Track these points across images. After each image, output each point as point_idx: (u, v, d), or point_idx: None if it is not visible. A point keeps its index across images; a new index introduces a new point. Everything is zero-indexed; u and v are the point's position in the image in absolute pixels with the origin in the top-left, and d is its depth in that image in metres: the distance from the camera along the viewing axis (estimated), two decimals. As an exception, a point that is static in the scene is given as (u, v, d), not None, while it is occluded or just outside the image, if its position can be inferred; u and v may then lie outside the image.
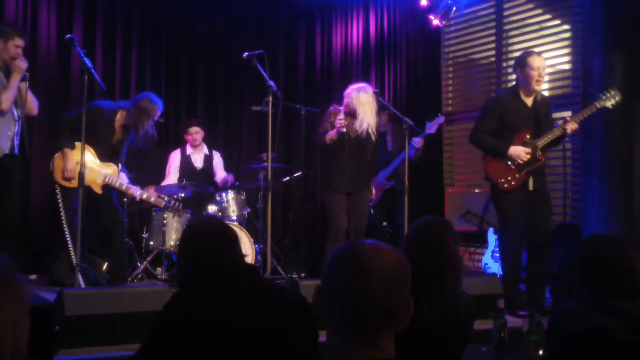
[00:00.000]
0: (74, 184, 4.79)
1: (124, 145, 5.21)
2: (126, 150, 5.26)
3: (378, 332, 1.32)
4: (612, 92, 4.89)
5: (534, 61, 4.83)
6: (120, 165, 5.19)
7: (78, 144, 4.75)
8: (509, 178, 4.88)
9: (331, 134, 5.20)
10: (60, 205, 4.87)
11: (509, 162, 4.88)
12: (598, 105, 4.87)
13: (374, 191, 5.81)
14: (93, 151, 5.07)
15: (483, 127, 5.00)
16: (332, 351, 1.36)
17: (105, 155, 5.12)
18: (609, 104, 4.89)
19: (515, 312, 4.57)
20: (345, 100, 5.30)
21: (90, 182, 4.96)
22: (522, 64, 4.89)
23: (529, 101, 4.96)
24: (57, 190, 4.90)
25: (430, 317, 2.22)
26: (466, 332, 2.41)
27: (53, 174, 5.02)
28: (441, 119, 6.50)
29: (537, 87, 4.89)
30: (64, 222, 4.87)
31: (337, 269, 1.37)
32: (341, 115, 5.17)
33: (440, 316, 2.20)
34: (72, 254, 4.74)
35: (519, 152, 4.83)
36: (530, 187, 4.89)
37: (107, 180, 5.08)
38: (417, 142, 6.19)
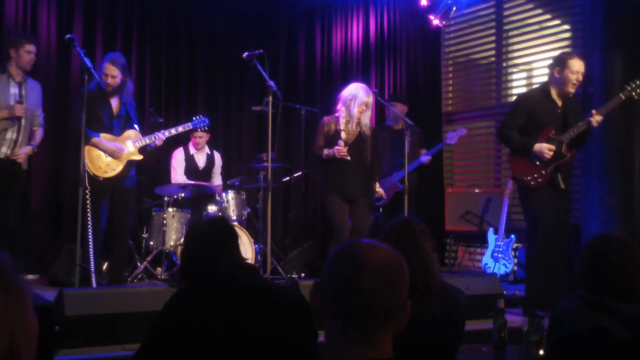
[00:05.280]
0: (119, 167, 5.06)
1: (126, 107, 5.23)
2: (134, 113, 5.28)
3: (373, 331, 1.32)
4: (638, 83, 4.80)
5: (575, 65, 4.78)
6: (135, 126, 5.25)
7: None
8: (536, 175, 4.83)
9: (329, 152, 5.19)
10: (88, 203, 4.81)
11: (535, 160, 4.84)
12: (623, 97, 4.81)
13: (382, 192, 5.80)
14: (106, 136, 5.10)
15: (510, 124, 4.97)
16: (330, 349, 1.36)
17: (118, 130, 5.17)
18: (635, 94, 4.80)
19: (535, 312, 4.53)
20: (347, 103, 5.28)
21: (126, 159, 5.12)
22: (562, 65, 4.82)
23: (559, 101, 4.92)
24: (88, 190, 4.79)
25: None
26: (454, 328, 2.40)
27: (88, 169, 4.95)
28: (463, 131, 6.47)
29: (571, 90, 4.85)
30: (89, 220, 4.85)
31: (333, 265, 1.38)
32: (341, 145, 5.15)
33: (418, 310, 2.18)
34: (92, 257, 4.77)
35: (543, 148, 4.78)
36: (562, 185, 4.86)
37: (137, 145, 5.17)
38: (426, 159, 6.19)
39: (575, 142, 4.91)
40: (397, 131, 6.45)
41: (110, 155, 5.06)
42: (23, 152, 5.07)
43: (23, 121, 5.07)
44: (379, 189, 5.74)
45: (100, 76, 5.04)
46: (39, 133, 5.29)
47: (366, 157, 5.35)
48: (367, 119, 5.33)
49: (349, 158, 5.17)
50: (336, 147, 5.15)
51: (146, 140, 5.20)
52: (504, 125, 5.05)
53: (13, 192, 5.10)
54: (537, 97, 4.97)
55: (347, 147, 5.16)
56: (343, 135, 5.26)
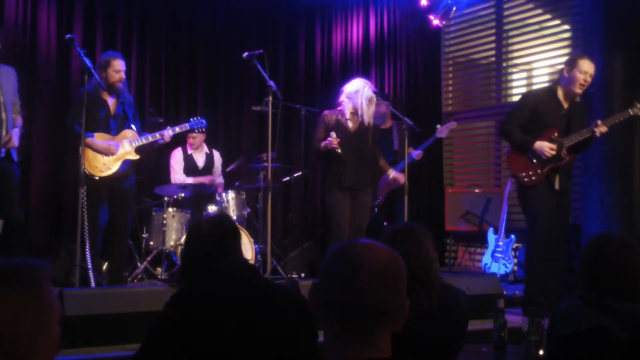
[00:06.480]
0: (115, 166, 5.02)
1: (124, 106, 5.20)
2: (132, 111, 5.26)
3: (371, 331, 1.32)
4: None
5: (584, 65, 4.77)
6: (132, 126, 5.22)
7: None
8: (530, 173, 4.85)
9: (325, 144, 5.19)
10: (84, 202, 4.69)
11: (533, 158, 4.86)
12: (631, 113, 4.83)
13: (398, 177, 5.78)
14: (103, 135, 5.08)
15: (513, 120, 4.97)
16: (329, 349, 1.36)
17: (115, 129, 5.15)
18: None
19: (535, 312, 4.52)
20: (352, 95, 5.28)
21: (122, 158, 5.09)
22: (571, 64, 4.82)
23: (565, 103, 4.90)
24: (84, 189, 4.66)
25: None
26: (454, 327, 2.40)
27: (85, 169, 4.82)
28: (452, 124, 6.45)
29: (578, 91, 4.83)
30: (85, 220, 4.74)
31: (331, 265, 1.38)
32: (332, 137, 5.15)
33: (418, 310, 2.18)
34: (88, 255, 4.70)
35: (544, 147, 4.79)
36: (556, 186, 4.85)
37: (134, 144, 5.14)
38: (417, 154, 6.18)
39: (576, 147, 4.91)
40: (385, 130, 6.45)
41: (104, 153, 5.04)
42: (15, 137, 4.85)
43: (3, 114, 4.86)
44: (394, 174, 5.74)
45: (101, 74, 5.00)
46: (18, 120, 5.03)
47: (369, 148, 5.35)
48: (371, 112, 5.34)
49: (339, 151, 5.16)
50: (328, 139, 5.15)
51: (143, 140, 5.17)
52: (506, 121, 5.05)
53: (10, 188, 5.02)
54: (543, 96, 4.97)
55: (338, 139, 5.16)
56: (350, 124, 5.26)
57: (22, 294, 1.23)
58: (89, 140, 4.97)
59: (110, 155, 5.05)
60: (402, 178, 5.68)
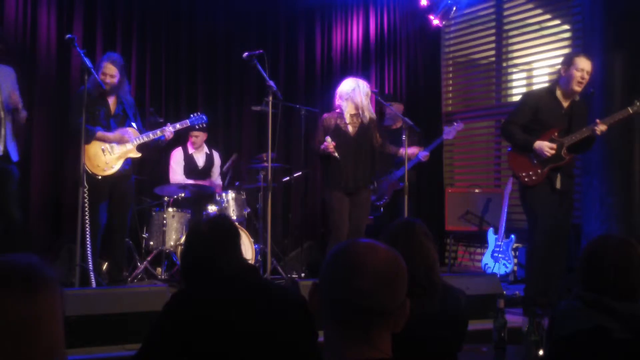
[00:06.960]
0: (117, 165, 5.05)
1: (124, 105, 5.21)
2: (131, 111, 5.27)
3: (372, 331, 1.32)
4: None
5: (580, 62, 4.77)
6: (133, 124, 5.23)
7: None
8: (531, 173, 4.86)
9: (323, 149, 5.19)
10: (86, 201, 4.70)
11: (533, 158, 4.86)
12: (631, 111, 4.81)
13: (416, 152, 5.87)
14: (105, 135, 5.10)
15: (515, 120, 4.97)
16: (329, 349, 1.36)
17: (115, 128, 5.16)
18: None
19: (535, 312, 4.53)
20: (349, 94, 5.28)
21: (124, 156, 5.11)
22: (568, 62, 4.83)
23: (565, 102, 4.90)
24: (85, 188, 4.65)
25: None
26: (455, 328, 2.40)
27: (87, 168, 4.85)
28: (460, 125, 6.45)
29: (576, 89, 4.82)
30: (87, 219, 4.76)
31: (331, 265, 1.38)
32: (328, 141, 5.15)
33: (419, 311, 2.18)
34: (89, 255, 4.71)
35: (544, 146, 4.79)
36: (558, 185, 4.85)
37: (135, 142, 5.16)
38: (424, 156, 6.19)
39: (578, 147, 4.90)
40: (395, 130, 6.46)
41: (119, 142, 5.08)
42: (24, 114, 4.91)
43: (2, 113, 4.85)
44: (414, 149, 5.95)
45: (99, 75, 5.02)
46: (23, 114, 4.99)
47: (373, 144, 5.35)
48: (369, 105, 5.35)
49: (337, 155, 5.17)
50: (325, 143, 5.16)
51: (144, 138, 5.19)
52: (508, 121, 5.06)
53: (9, 188, 5.01)
54: (543, 96, 4.97)
55: (334, 143, 5.17)
56: (350, 128, 5.27)
57: (22, 293, 1.22)
58: (100, 133, 5.02)
59: (124, 143, 5.09)
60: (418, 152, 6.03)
